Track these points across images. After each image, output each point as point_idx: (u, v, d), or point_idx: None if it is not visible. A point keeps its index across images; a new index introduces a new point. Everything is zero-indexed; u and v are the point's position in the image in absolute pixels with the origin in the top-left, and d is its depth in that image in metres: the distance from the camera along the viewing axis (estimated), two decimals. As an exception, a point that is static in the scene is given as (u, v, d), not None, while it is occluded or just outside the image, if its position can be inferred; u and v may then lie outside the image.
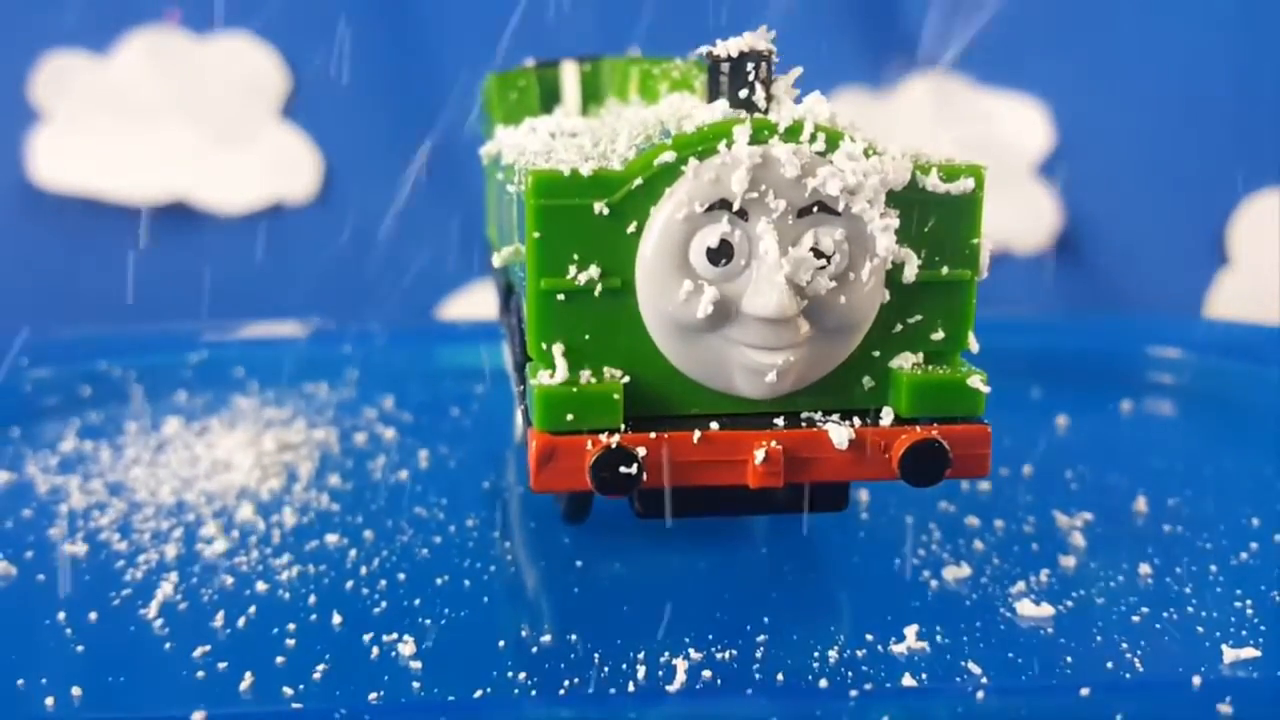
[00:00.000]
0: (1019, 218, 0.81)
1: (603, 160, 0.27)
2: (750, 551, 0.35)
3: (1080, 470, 0.42)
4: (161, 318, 0.76)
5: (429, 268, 0.88)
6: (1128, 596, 0.32)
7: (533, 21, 0.79)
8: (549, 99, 0.45)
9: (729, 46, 0.27)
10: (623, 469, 0.26)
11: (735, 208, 0.26)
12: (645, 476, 0.26)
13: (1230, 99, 0.81)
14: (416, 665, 0.28)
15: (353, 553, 0.34)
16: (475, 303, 0.97)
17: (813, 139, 0.26)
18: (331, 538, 0.35)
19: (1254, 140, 0.81)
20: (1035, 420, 0.49)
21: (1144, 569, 0.33)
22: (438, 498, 0.39)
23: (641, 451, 0.26)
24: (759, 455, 0.27)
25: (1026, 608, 0.31)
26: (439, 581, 0.32)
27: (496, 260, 0.31)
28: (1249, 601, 0.31)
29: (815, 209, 0.26)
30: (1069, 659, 0.28)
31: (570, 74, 0.45)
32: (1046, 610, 0.31)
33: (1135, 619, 0.30)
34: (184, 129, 0.74)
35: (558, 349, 0.27)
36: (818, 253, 0.26)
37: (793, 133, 0.26)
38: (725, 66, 0.27)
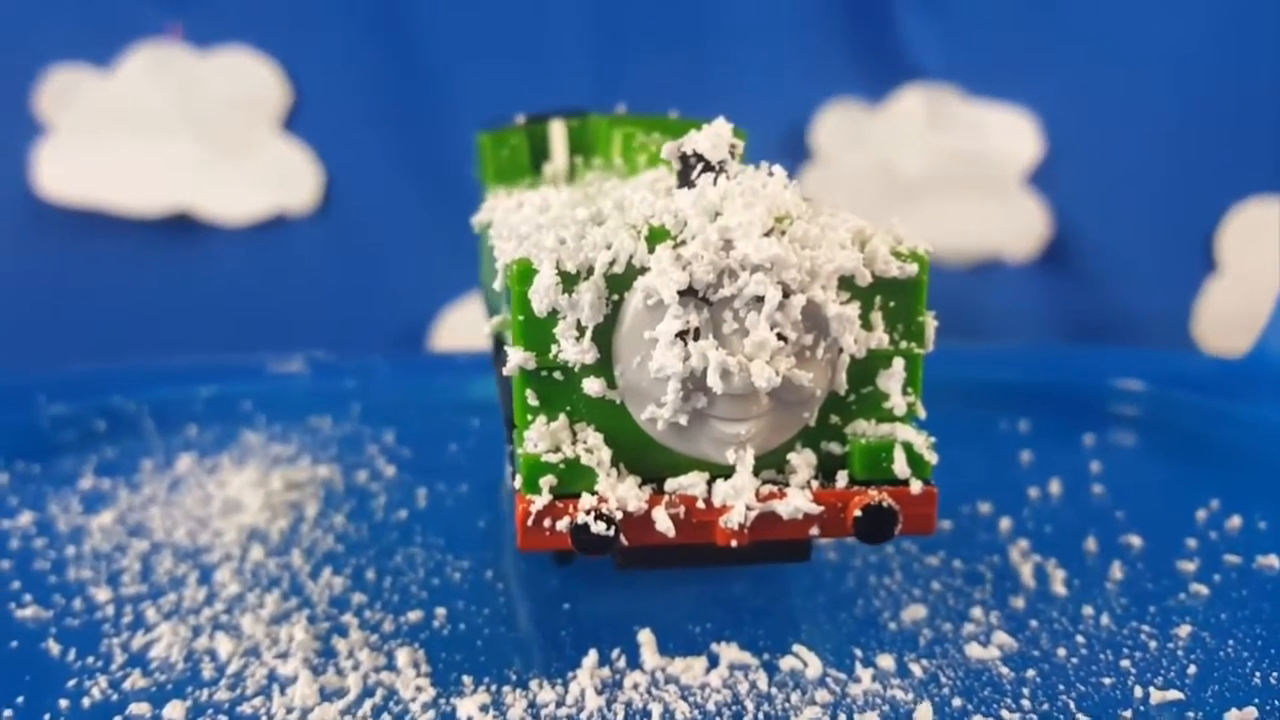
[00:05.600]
0: (1009, 227, 0.83)
1: (578, 242, 0.29)
2: (721, 590, 0.37)
3: (1039, 508, 0.45)
4: (164, 329, 0.79)
5: (427, 278, 0.89)
6: (1070, 637, 0.34)
7: (531, 33, 0.81)
8: (539, 155, 0.48)
9: (693, 143, 0.30)
10: (600, 531, 0.29)
11: (700, 295, 0.29)
12: (621, 537, 0.29)
13: (1218, 108, 0.83)
14: (416, 709, 0.31)
15: (357, 596, 0.37)
16: (472, 315, 0.97)
17: (770, 232, 0.29)
18: (337, 580, 0.38)
19: (1241, 149, 0.83)
20: (1000, 454, 0.51)
21: (1086, 610, 0.36)
22: (435, 537, 0.42)
23: (618, 515, 0.29)
24: (725, 520, 0.30)
25: (974, 650, 0.33)
26: (435, 625, 0.35)
27: (488, 327, 0.34)
28: (1180, 643, 0.34)
29: (772, 294, 0.29)
30: (1009, 701, 0.31)
31: (559, 133, 0.48)
32: (993, 652, 0.33)
33: (1074, 661, 0.33)
34: (186, 142, 0.77)
35: (540, 420, 0.30)
36: (779, 335, 0.29)
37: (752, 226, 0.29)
38: (691, 161, 0.30)
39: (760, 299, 0.29)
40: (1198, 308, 0.82)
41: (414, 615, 0.36)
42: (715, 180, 0.30)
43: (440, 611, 0.36)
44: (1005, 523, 0.43)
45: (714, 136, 0.30)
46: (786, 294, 0.29)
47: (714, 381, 0.29)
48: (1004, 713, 0.30)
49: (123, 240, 0.77)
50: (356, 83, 0.78)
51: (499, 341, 0.42)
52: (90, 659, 0.33)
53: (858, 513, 0.30)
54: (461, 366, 0.63)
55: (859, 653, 0.33)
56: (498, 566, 0.39)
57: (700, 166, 0.30)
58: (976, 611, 0.36)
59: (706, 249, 0.28)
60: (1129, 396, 0.59)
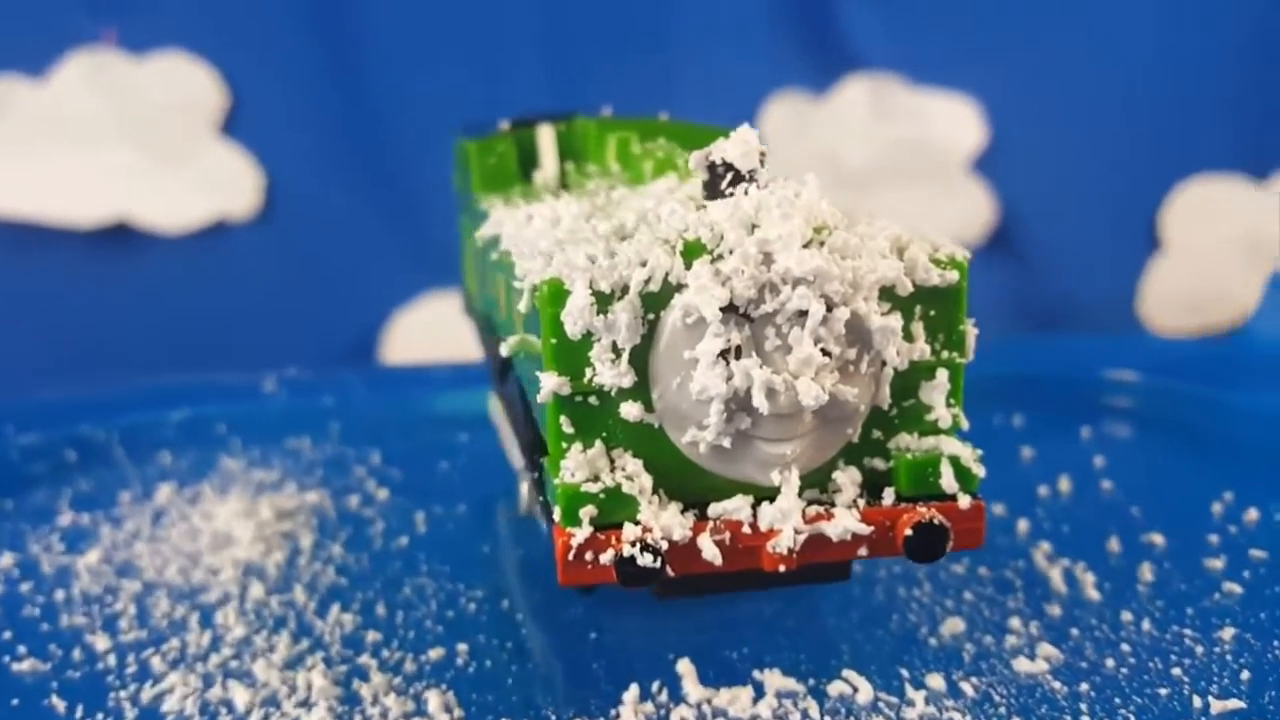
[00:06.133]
0: (955, 214, 0.83)
1: (610, 260, 0.28)
2: (751, 611, 0.36)
3: (1052, 507, 0.44)
4: (105, 342, 0.76)
5: (376, 282, 0.87)
6: (1115, 646, 0.33)
7: (476, 29, 0.80)
8: (526, 161, 0.46)
9: (722, 152, 0.29)
10: (646, 563, 0.28)
11: (740, 311, 0.27)
12: (667, 568, 0.28)
13: (1158, 89, 0.83)
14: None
15: (371, 634, 0.35)
16: (423, 318, 0.96)
17: (809, 243, 0.28)
18: (346, 617, 0.36)
19: (1183, 129, 0.84)
20: (1000, 451, 0.50)
21: (1125, 616, 0.35)
22: (442, 564, 0.40)
23: (663, 545, 0.28)
24: (773, 545, 0.28)
25: (1023, 664, 0.32)
26: (459, 663, 0.34)
27: (505, 349, 0.32)
28: (1226, 647, 0.33)
29: (816, 308, 0.27)
30: (1067, 718, 0.30)
31: (546, 138, 0.46)
32: (1041, 665, 0.32)
33: (1124, 671, 0.32)
34: (123, 149, 0.74)
35: (576, 447, 0.28)
36: (823, 350, 0.28)
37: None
38: (720, 171, 0.29)
39: (803, 313, 0.27)
40: (1143, 288, 0.82)
41: (435, 653, 0.34)
42: (746, 190, 0.29)
43: (462, 648, 0.34)
44: (1023, 525, 0.42)
45: (743, 145, 0.29)
46: (829, 307, 0.28)
47: (759, 401, 0.27)
48: (1069, 731, 0.29)
49: (60, 252, 0.74)
50: (296, 83, 0.76)
51: (500, 359, 0.40)
52: (100, 716, 0.31)
53: (909, 532, 0.29)
54: (440, 380, 0.61)
55: (905, 673, 0.32)
56: (512, 596, 0.38)
57: (730, 176, 0.29)
58: (1015, 622, 0.35)
59: (746, 263, 0.27)
60: (1120, 386, 0.59)
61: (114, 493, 0.48)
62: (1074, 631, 0.34)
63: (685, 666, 0.32)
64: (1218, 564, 0.39)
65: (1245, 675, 0.32)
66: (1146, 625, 0.35)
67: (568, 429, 0.28)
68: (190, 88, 0.74)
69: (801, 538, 0.28)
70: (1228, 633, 0.34)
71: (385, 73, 0.77)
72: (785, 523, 0.28)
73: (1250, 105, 0.87)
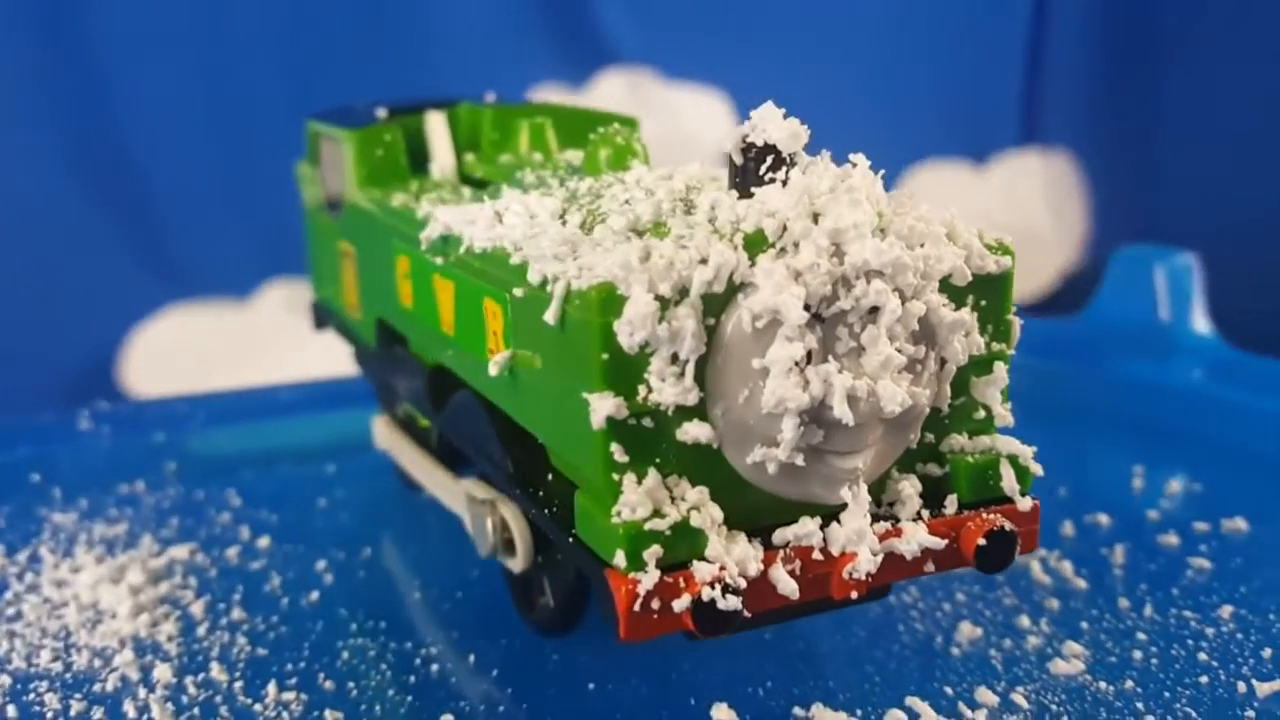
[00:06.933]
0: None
1: (671, 261, 0.24)
2: (751, 640, 0.33)
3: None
4: None
5: (109, 298, 0.80)
6: (1131, 635, 0.32)
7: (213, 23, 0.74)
8: (414, 154, 0.41)
9: (764, 133, 0.25)
10: (726, 606, 0.24)
11: (813, 311, 0.24)
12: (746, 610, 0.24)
13: (896, 79, 0.89)
14: None
15: (330, 715, 0.30)
16: (167, 334, 0.89)
17: (875, 230, 0.25)
18: (288, 696, 0.31)
19: (911, 119, 0.90)
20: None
21: (1122, 603, 0.34)
22: (373, 620, 0.35)
23: (742, 583, 0.24)
24: (850, 570, 0.25)
25: (1060, 666, 0.31)
26: (452, 737, 0.29)
27: (494, 367, 0.28)
28: (1231, 626, 0.33)
29: (893, 304, 0.25)
30: (1102, 711, 0.29)
31: (439, 126, 0.41)
32: (1077, 665, 0.31)
33: (1154, 663, 0.31)
34: None
35: (630, 479, 0.24)
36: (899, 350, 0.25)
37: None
38: (759, 155, 0.26)
39: (874, 310, 0.25)
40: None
41: (416, 728, 0.29)
42: (787, 176, 0.25)
43: (446, 719, 0.29)
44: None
45: (787, 125, 0.26)
46: (902, 301, 0.25)
47: (841, 410, 0.24)
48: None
49: None
50: (14, 79, 0.70)
51: (429, 376, 0.35)
52: None
53: (981, 541, 0.26)
54: (285, 403, 0.54)
55: (948, 690, 0.30)
56: (475, 648, 0.33)
57: (771, 160, 0.26)
58: (1024, 620, 0.33)
59: (820, 257, 0.24)
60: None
61: (-79, 569, 0.39)
62: (1083, 624, 0.33)
63: (725, 714, 0.28)
64: (1173, 540, 0.39)
65: (1267, 652, 0.31)
66: (1149, 611, 0.34)
67: (620, 458, 0.24)
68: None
69: (878, 559, 0.26)
70: (1226, 610, 0.34)
71: (117, 68, 0.72)
72: (860, 545, 0.25)
73: (969, 94, 0.94)
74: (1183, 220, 0.88)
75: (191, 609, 0.36)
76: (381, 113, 0.42)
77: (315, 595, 0.37)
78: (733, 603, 0.24)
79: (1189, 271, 0.60)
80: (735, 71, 0.87)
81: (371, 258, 0.39)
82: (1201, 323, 0.59)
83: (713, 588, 0.24)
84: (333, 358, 0.66)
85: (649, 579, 0.24)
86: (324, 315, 0.48)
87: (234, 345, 0.83)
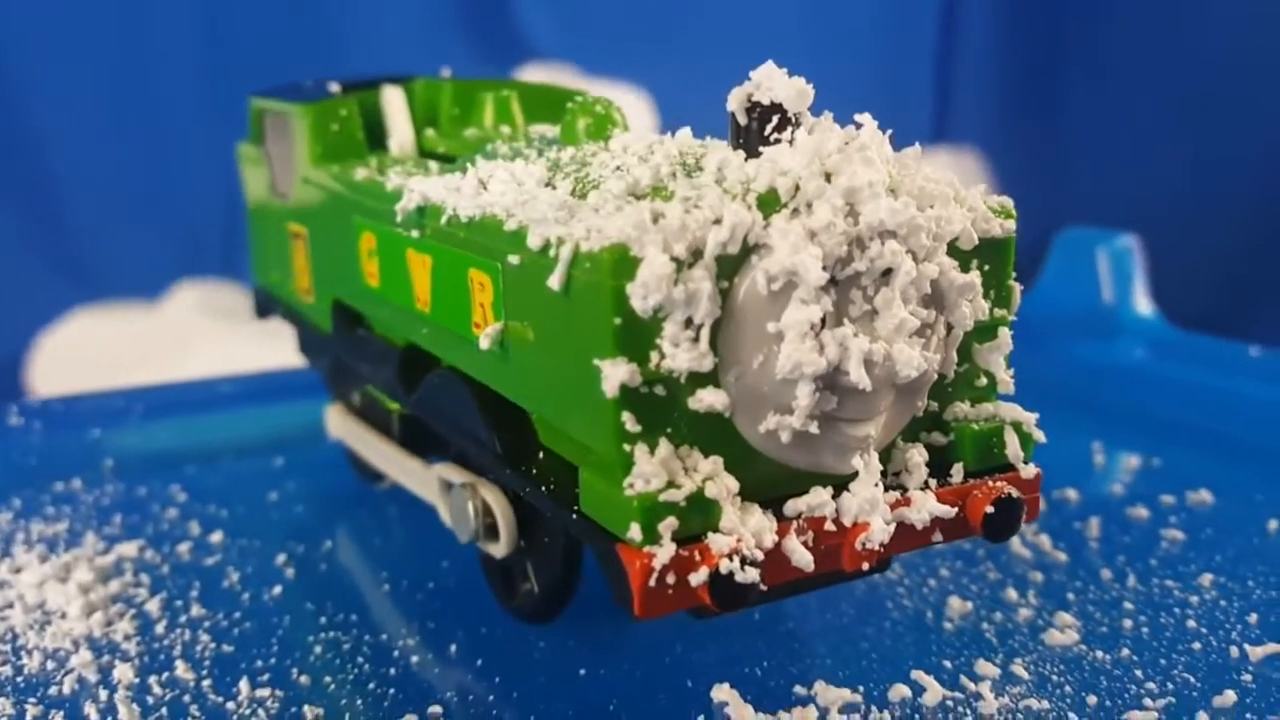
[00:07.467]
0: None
1: (684, 221, 0.23)
2: (739, 620, 0.32)
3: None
4: None
5: (13, 301, 0.78)
6: (1118, 605, 0.32)
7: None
8: (369, 130, 0.39)
9: (770, 92, 0.25)
10: (745, 578, 0.23)
11: (828, 275, 0.23)
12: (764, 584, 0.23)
13: (822, 75, 0.90)
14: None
15: (310, 711, 0.28)
16: (78, 338, 0.87)
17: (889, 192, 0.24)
18: (263, 693, 0.29)
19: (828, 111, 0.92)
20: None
21: (1105, 574, 0.34)
22: (343, 613, 0.33)
23: (759, 555, 0.23)
24: (863, 540, 0.25)
25: (1055, 636, 0.31)
26: (444, 728, 0.27)
27: (486, 340, 0.27)
28: (1214, 594, 0.33)
29: (908, 265, 0.24)
30: (1132, 688, 0.28)
31: (396, 100, 0.40)
32: (1072, 636, 0.31)
33: (1145, 631, 0.31)
34: None
35: (641, 449, 0.23)
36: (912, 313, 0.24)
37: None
38: (764, 114, 0.25)
39: (888, 272, 0.24)
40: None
41: (401, 720, 0.28)
42: (794, 135, 0.25)
43: (434, 710, 0.28)
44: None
45: (793, 84, 0.25)
46: (915, 264, 0.24)
47: (858, 375, 0.23)
48: (1146, 700, 0.28)
49: None
50: None
51: (401, 356, 0.34)
52: None
53: (989, 509, 0.26)
54: (225, 397, 0.52)
55: (947, 664, 0.29)
56: (455, 638, 0.32)
57: (776, 120, 0.25)
58: (1011, 594, 0.33)
59: (836, 216, 0.23)
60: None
61: None
62: (1069, 595, 0.33)
63: (727, 693, 0.28)
64: (1143, 513, 0.39)
65: (1253, 618, 0.32)
66: (1132, 581, 0.34)
67: (632, 427, 0.23)
68: None
69: (891, 529, 0.25)
70: (1206, 579, 0.34)
71: (24, 67, 0.71)
72: (873, 514, 0.25)
73: (880, 95, 0.96)
74: (1089, 213, 0.90)
75: (147, 607, 0.34)
76: (335, 87, 0.40)
77: (278, 590, 0.35)
78: (751, 575, 0.23)
79: (1130, 253, 0.61)
80: (654, 70, 0.88)
81: (328, 237, 0.37)
82: (1144, 303, 0.60)
83: (730, 560, 0.23)
84: (251, 357, 0.64)
85: (664, 552, 0.23)
86: (268, 303, 0.46)
87: (143, 347, 0.81)
